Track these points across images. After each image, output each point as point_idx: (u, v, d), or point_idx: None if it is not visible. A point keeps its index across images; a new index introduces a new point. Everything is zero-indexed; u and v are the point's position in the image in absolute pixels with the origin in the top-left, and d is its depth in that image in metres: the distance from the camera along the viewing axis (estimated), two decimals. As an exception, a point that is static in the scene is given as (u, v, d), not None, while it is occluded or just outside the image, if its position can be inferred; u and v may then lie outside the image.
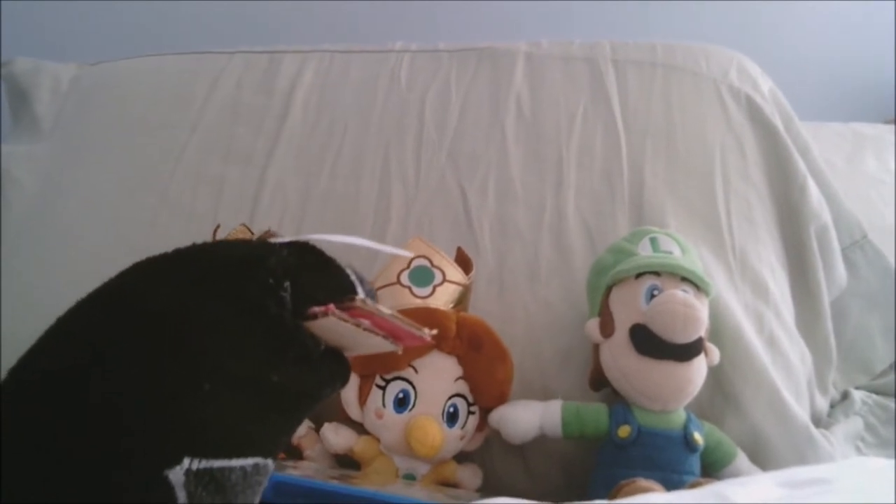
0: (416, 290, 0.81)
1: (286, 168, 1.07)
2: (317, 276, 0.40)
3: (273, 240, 0.41)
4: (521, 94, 1.10)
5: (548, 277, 0.95)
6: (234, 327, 0.36)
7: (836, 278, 1.03)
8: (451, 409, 0.79)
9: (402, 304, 0.80)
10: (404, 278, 0.82)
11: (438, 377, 0.79)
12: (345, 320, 0.38)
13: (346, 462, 0.84)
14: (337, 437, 0.82)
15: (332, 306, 0.38)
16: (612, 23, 1.54)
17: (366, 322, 0.39)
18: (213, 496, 0.35)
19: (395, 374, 0.79)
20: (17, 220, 1.08)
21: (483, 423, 0.82)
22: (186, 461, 0.34)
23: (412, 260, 0.83)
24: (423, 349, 0.78)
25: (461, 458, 0.84)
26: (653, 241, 0.85)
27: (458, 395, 0.80)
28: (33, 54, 1.27)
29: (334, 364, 0.41)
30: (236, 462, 0.36)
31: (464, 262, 0.87)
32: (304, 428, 0.86)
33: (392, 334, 0.41)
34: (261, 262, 0.38)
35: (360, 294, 0.40)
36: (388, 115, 1.10)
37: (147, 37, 1.52)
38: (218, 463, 0.35)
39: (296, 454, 0.86)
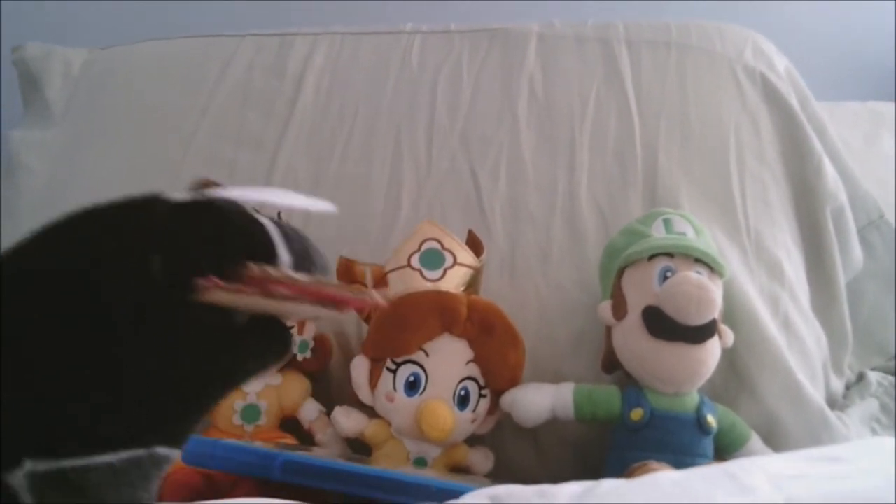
0: (426, 273, 0.81)
1: (297, 152, 1.07)
2: (206, 242, 0.36)
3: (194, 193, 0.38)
4: (534, 76, 1.09)
5: (560, 260, 0.94)
6: (92, 313, 0.33)
7: (852, 259, 1.02)
8: (463, 393, 0.79)
9: (412, 287, 0.80)
10: (415, 261, 0.81)
11: (449, 360, 0.79)
12: (238, 291, 0.35)
13: (358, 446, 0.84)
14: (348, 420, 0.82)
15: (212, 278, 0.35)
16: (623, 6, 1.53)
17: (283, 290, 0.36)
18: (70, 496, 0.32)
19: (406, 357, 0.78)
20: (28, 205, 1.08)
21: (494, 406, 0.82)
22: (28, 464, 0.31)
23: (423, 243, 0.82)
24: (433, 332, 0.78)
25: (473, 441, 0.84)
26: (666, 222, 0.84)
27: (469, 378, 0.79)
28: (44, 39, 1.27)
29: (259, 335, 0.38)
30: (99, 459, 0.33)
31: (475, 244, 0.86)
32: (316, 412, 0.86)
33: (328, 300, 0.38)
34: (130, 235, 0.35)
35: (284, 258, 0.38)
36: (400, 98, 1.10)
37: (158, 21, 1.52)
38: (69, 463, 0.32)
39: (307, 439, 0.86)
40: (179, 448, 0.37)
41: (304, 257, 0.39)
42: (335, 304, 0.38)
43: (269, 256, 0.37)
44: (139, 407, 0.34)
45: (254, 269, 0.36)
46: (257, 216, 0.39)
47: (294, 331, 0.84)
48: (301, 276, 0.37)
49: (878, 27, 1.62)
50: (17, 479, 0.31)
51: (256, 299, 0.36)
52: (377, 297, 0.39)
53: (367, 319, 0.84)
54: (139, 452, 0.34)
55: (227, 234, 0.37)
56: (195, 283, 0.34)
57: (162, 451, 0.36)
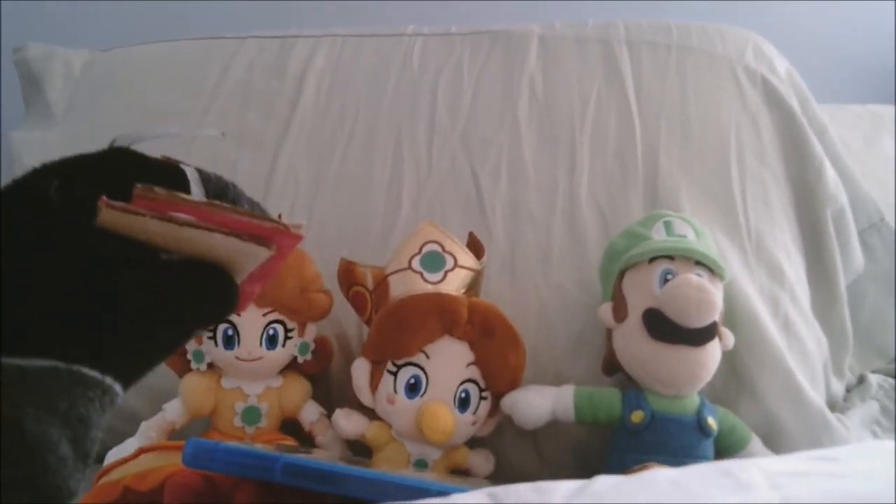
0: (427, 275, 0.81)
1: (298, 152, 1.07)
2: (105, 170, 0.37)
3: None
4: (535, 77, 1.09)
5: (560, 262, 0.94)
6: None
7: (852, 261, 1.02)
8: (463, 395, 0.79)
9: (413, 289, 0.80)
10: (416, 263, 0.81)
11: (450, 363, 0.79)
12: (129, 211, 0.34)
13: (359, 448, 0.84)
14: (349, 422, 0.82)
15: (102, 198, 0.34)
16: (625, 6, 1.53)
17: (182, 216, 0.35)
18: None
19: (407, 359, 0.79)
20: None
21: (495, 408, 0.82)
22: None
23: (424, 245, 0.82)
24: (433, 334, 0.78)
25: (473, 443, 0.84)
26: (667, 224, 0.84)
27: (469, 380, 0.79)
28: (45, 40, 1.27)
29: (194, 277, 0.37)
30: (7, 359, 0.33)
31: (476, 247, 0.86)
32: (317, 414, 0.86)
33: (243, 230, 0.36)
34: (36, 171, 0.36)
35: (195, 190, 0.37)
36: (400, 99, 1.10)
37: (159, 22, 1.52)
38: None
39: (308, 441, 0.86)
40: (123, 382, 0.36)
41: (221, 196, 0.38)
42: (254, 236, 0.37)
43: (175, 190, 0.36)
44: (48, 316, 0.34)
45: (143, 188, 0.35)
46: (179, 163, 0.39)
47: (295, 333, 0.84)
48: (203, 200, 0.36)
49: (879, 29, 1.62)
50: None
51: (156, 223, 0.35)
52: (295, 229, 0.38)
53: (367, 321, 0.84)
54: (56, 363, 0.34)
55: (130, 164, 0.38)
56: (91, 205, 0.34)
57: (90, 372, 0.35)
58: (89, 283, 0.35)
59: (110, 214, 0.34)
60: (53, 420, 0.33)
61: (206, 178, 0.39)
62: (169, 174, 0.38)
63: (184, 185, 0.37)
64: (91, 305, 0.35)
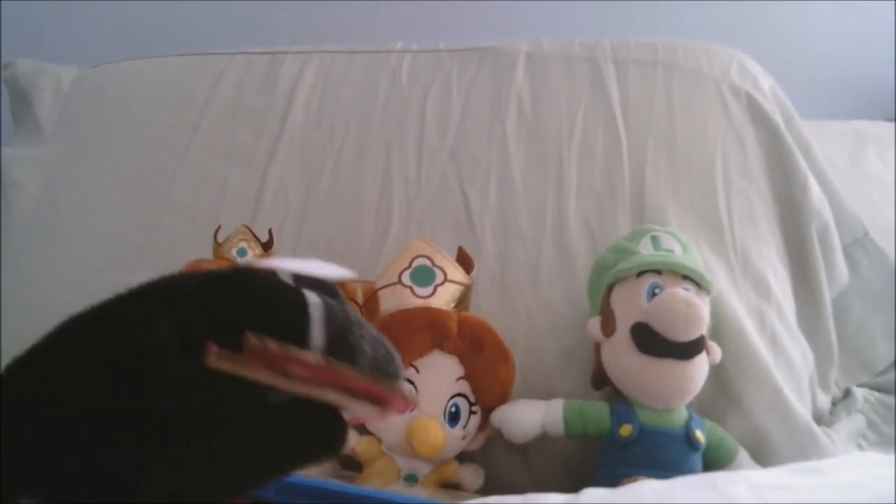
0: (417, 289, 0.81)
1: (288, 168, 1.07)
2: (219, 309, 0.35)
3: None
4: (522, 94, 1.10)
5: (549, 277, 0.95)
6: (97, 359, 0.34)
7: (837, 276, 1.03)
8: (453, 409, 0.79)
9: (403, 303, 0.80)
10: (405, 278, 0.82)
11: (440, 377, 0.79)
12: (241, 362, 0.34)
13: (349, 463, 0.84)
14: (339, 437, 0.81)
15: (212, 346, 0.34)
16: (613, 22, 1.54)
17: (295, 369, 0.34)
18: None
19: (397, 374, 0.79)
20: (20, 222, 1.08)
21: (485, 422, 0.83)
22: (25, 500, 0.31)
23: (413, 260, 0.83)
24: (423, 348, 0.78)
25: (463, 458, 0.84)
26: (654, 239, 0.85)
27: (459, 394, 0.80)
28: (34, 56, 1.27)
29: (302, 421, 0.36)
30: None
31: (465, 261, 0.87)
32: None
33: (353, 390, 0.36)
34: (150, 294, 0.35)
35: (316, 338, 0.36)
36: (390, 116, 1.10)
37: (148, 38, 1.52)
38: None
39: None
40: None
41: (341, 342, 0.37)
42: (371, 398, 0.37)
43: (295, 332, 0.35)
44: (161, 470, 0.34)
45: (256, 341, 0.34)
46: (301, 290, 0.37)
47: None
48: (319, 359, 0.35)
49: (868, 46, 1.64)
50: None
51: (264, 373, 0.34)
52: (410, 399, 0.38)
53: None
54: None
55: (245, 304, 0.36)
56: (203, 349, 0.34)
57: None
58: (201, 430, 0.34)
59: (217, 360, 0.34)
60: None
61: (330, 316, 0.37)
62: (280, 306, 0.36)
63: (295, 319, 0.36)
64: (204, 461, 0.35)
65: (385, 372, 0.37)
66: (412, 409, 0.39)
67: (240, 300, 0.36)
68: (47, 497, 0.32)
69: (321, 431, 0.37)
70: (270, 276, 0.37)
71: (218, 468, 0.35)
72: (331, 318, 0.37)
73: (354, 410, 0.37)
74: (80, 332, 0.35)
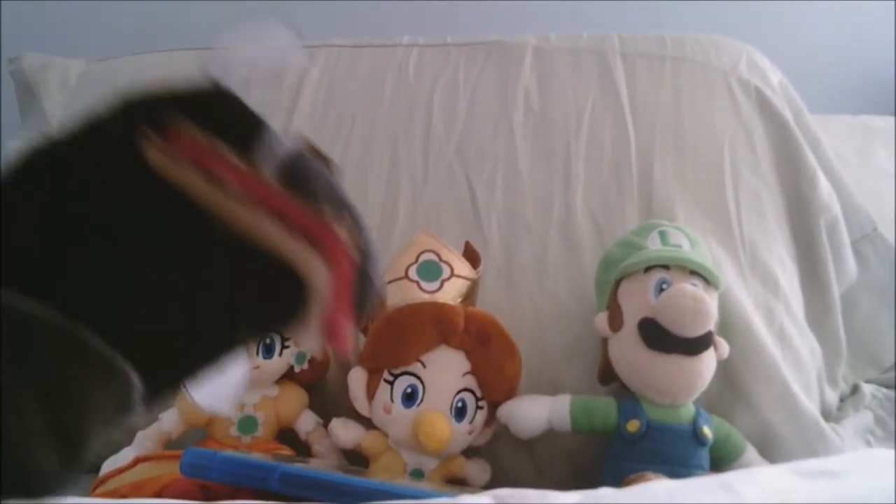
0: (424, 284, 0.81)
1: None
2: (171, 100, 0.30)
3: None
4: (530, 88, 1.09)
5: (556, 272, 0.95)
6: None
7: (845, 271, 1.02)
8: (460, 404, 0.79)
9: (410, 298, 0.80)
10: (412, 273, 0.82)
11: (446, 372, 0.79)
12: (173, 153, 0.28)
13: (355, 457, 0.84)
14: (346, 431, 0.82)
15: (145, 127, 0.28)
16: (621, 15, 1.53)
17: (227, 174, 0.28)
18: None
19: (403, 368, 0.79)
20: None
21: (491, 417, 0.82)
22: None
23: (420, 254, 0.83)
24: (430, 343, 0.78)
25: (469, 453, 0.84)
26: (662, 234, 0.85)
27: (466, 389, 0.80)
28: (41, 50, 1.27)
29: (260, 266, 0.29)
30: (15, 299, 0.27)
31: (472, 256, 0.87)
32: (313, 423, 0.86)
33: (296, 224, 0.29)
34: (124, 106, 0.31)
35: (266, 154, 0.30)
36: (396, 110, 1.10)
37: (155, 33, 1.52)
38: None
39: (304, 450, 0.86)
40: (145, 380, 0.29)
41: (293, 173, 0.30)
42: (306, 235, 0.29)
43: (240, 142, 0.30)
44: (75, 259, 0.29)
45: (177, 123, 0.29)
46: (262, 118, 0.31)
47: (291, 342, 0.84)
48: (253, 170, 0.29)
49: (875, 41, 1.63)
50: None
51: (198, 179, 0.28)
52: (347, 239, 0.30)
53: (364, 330, 0.84)
54: (57, 317, 0.27)
55: (200, 102, 0.31)
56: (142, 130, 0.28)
57: (98, 344, 0.28)
58: (124, 237, 0.29)
59: (157, 157, 0.28)
60: (32, 386, 0.26)
61: (285, 149, 0.31)
62: (248, 118, 0.31)
63: (249, 133, 0.30)
64: (122, 265, 0.29)
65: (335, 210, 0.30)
66: (350, 261, 0.30)
67: (218, 105, 0.31)
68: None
69: (274, 283, 0.30)
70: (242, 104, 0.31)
71: (146, 305, 0.29)
72: (285, 151, 0.31)
73: (292, 254, 0.29)
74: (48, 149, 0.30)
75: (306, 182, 0.31)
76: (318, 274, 0.29)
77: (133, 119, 0.30)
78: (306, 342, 0.29)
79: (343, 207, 0.32)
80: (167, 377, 0.30)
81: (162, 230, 0.29)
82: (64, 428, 0.27)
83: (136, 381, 0.28)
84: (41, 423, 0.26)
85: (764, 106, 1.05)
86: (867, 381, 1.04)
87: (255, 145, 0.30)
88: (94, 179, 0.30)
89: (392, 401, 0.79)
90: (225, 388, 0.34)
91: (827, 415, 0.95)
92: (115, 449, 0.82)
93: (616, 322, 0.80)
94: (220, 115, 0.31)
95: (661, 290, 0.78)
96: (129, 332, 0.28)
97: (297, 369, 0.86)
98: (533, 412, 0.81)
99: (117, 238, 0.29)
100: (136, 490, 0.70)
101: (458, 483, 0.83)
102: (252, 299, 0.30)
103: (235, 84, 0.32)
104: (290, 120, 1.10)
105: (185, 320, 0.29)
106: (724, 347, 0.80)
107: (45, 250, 0.28)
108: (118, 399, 0.28)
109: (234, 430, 0.83)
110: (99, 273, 0.29)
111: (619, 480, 0.70)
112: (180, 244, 0.29)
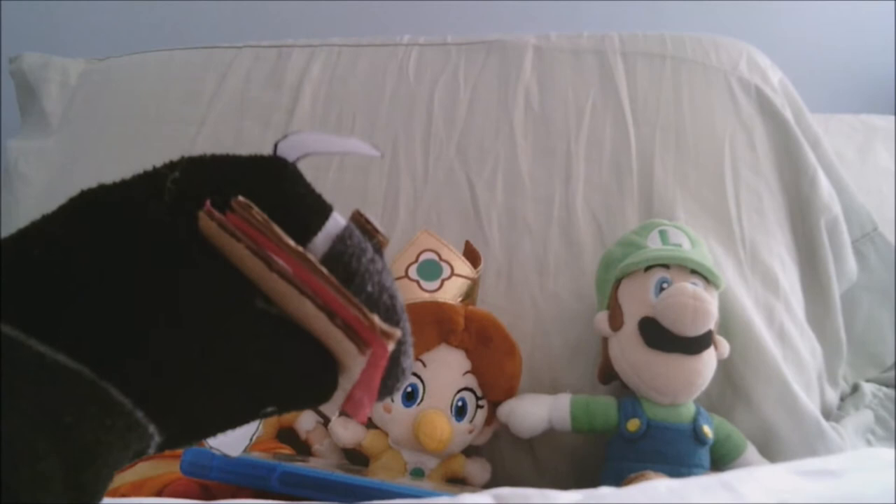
0: (424, 283, 0.81)
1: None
2: (232, 176, 0.31)
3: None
4: (530, 88, 1.09)
5: (556, 271, 0.94)
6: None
7: (846, 271, 1.02)
8: (460, 403, 0.79)
9: (410, 297, 0.80)
10: (412, 272, 0.82)
11: (446, 371, 0.79)
12: (225, 228, 0.28)
13: (355, 457, 0.84)
14: (346, 431, 0.82)
15: (207, 203, 0.28)
16: (621, 15, 1.54)
17: (278, 259, 0.28)
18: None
19: (404, 368, 0.79)
20: (26, 215, 1.07)
21: (492, 416, 0.82)
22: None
23: (420, 254, 0.83)
24: (430, 343, 0.78)
25: (470, 452, 0.84)
26: (662, 233, 0.85)
27: (466, 388, 0.80)
28: (41, 49, 1.27)
29: (293, 342, 0.30)
30: (34, 343, 0.27)
31: (472, 255, 0.87)
32: (313, 422, 0.86)
33: (338, 313, 0.29)
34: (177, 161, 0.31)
35: (319, 240, 0.30)
36: (397, 109, 1.10)
37: (155, 32, 1.52)
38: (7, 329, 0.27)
39: (305, 450, 0.86)
40: (153, 420, 0.28)
41: (342, 261, 0.31)
42: (345, 325, 0.29)
43: (298, 227, 0.30)
44: (105, 315, 0.28)
45: (241, 202, 0.29)
46: (328, 205, 0.32)
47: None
48: (305, 254, 0.29)
49: (875, 41, 1.63)
50: None
51: (249, 255, 0.28)
52: (386, 336, 0.29)
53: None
54: (83, 369, 0.27)
55: (279, 185, 0.31)
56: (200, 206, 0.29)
57: (119, 397, 0.28)
58: (164, 295, 0.29)
59: (208, 225, 0.29)
60: (48, 430, 0.26)
61: (345, 236, 0.31)
62: (307, 203, 0.31)
63: (309, 217, 0.31)
64: (159, 323, 0.29)
65: (380, 313, 0.30)
66: (387, 351, 0.30)
67: (273, 180, 0.31)
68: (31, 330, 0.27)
69: (312, 367, 0.30)
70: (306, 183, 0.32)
71: (171, 365, 0.29)
72: (345, 239, 0.31)
73: (328, 337, 0.30)
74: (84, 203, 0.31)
75: (350, 268, 0.31)
76: (351, 358, 0.30)
77: (194, 186, 0.30)
78: (325, 410, 0.28)
79: (384, 291, 0.32)
80: (186, 435, 0.30)
81: (202, 294, 0.29)
82: (78, 475, 0.26)
83: (155, 433, 0.29)
84: (55, 470, 0.26)
85: (764, 105, 1.05)
86: (867, 381, 1.04)
87: (309, 226, 0.31)
88: (134, 234, 0.30)
89: (392, 400, 0.79)
90: (238, 438, 0.35)
91: (827, 414, 0.95)
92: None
93: (616, 321, 0.80)
94: (282, 193, 0.31)
95: (662, 289, 0.78)
96: (154, 389, 0.28)
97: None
98: (533, 411, 0.81)
99: (153, 296, 0.29)
100: (135, 489, 0.70)
101: (459, 482, 0.83)
102: (283, 376, 0.30)
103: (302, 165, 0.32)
104: (290, 119, 1.10)
105: (212, 385, 0.29)
106: (725, 347, 0.80)
107: (76, 298, 0.28)
108: (134, 449, 0.28)
109: (234, 430, 0.83)
110: (129, 327, 0.28)
111: (620, 480, 0.70)
112: (219, 309, 0.29)
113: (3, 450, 0.24)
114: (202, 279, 0.29)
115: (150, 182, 0.30)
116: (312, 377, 0.31)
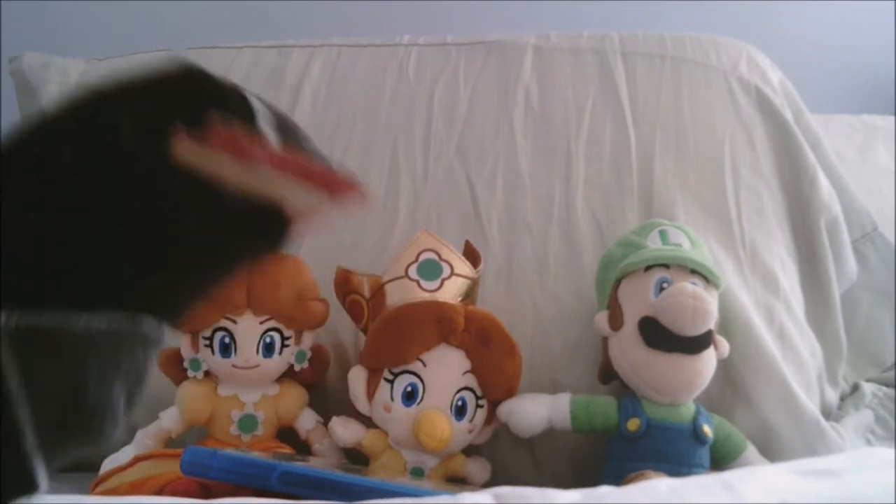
0: (424, 283, 0.81)
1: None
2: (178, 98, 0.33)
3: None
4: (530, 87, 1.09)
5: (556, 270, 0.95)
6: (67, 164, 0.31)
7: (846, 271, 1.02)
8: (460, 403, 0.79)
9: (410, 297, 0.80)
10: (412, 272, 0.82)
11: (446, 371, 0.79)
12: (209, 148, 0.32)
13: (355, 456, 0.84)
14: (346, 430, 0.82)
15: (180, 130, 0.31)
16: (621, 15, 1.53)
17: (259, 155, 0.32)
18: (49, 351, 0.30)
19: (404, 367, 0.79)
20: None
21: (491, 416, 0.83)
22: (4, 315, 0.29)
23: (420, 253, 0.83)
24: (430, 342, 0.78)
25: (470, 451, 0.84)
26: (662, 233, 0.85)
27: (466, 388, 0.80)
28: (41, 49, 1.27)
29: (248, 214, 0.34)
30: (77, 315, 0.31)
31: (472, 255, 0.87)
32: (313, 422, 0.86)
33: (314, 178, 0.34)
34: (106, 91, 0.33)
35: (267, 131, 0.34)
36: (397, 109, 1.10)
37: (155, 32, 1.52)
38: (48, 316, 0.30)
39: (305, 449, 0.86)
40: (168, 321, 0.34)
41: (292, 137, 0.35)
42: (323, 186, 0.34)
43: (248, 124, 0.33)
44: (118, 263, 0.32)
45: (224, 126, 0.32)
46: (242, 90, 0.35)
47: (292, 341, 0.84)
48: (279, 145, 0.33)
49: (875, 41, 1.63)
50: None
51: (230, 164, 0.32)
52: (363, 187, 0.35)
53: (364, 330, 0.84)
54: (119, 315, 0.32)
55: (201, 93, 0.34)
56: (167, 137, 0.32)
57: (149, 325, 0.33)
58: (158, 231, 0.33)
59: (186, 149, 0.32)
60: (116, 379, 0.32)
61: (273, 113, 0.35)
62: (234, 97, 0.34)
63: (249, 111, 0.34)
64: (158, 256, 0.33)
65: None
66: (364, 200, 0.35)
67: (189, 88, 0.34)
68: (26, 305, 0.30)
69: (274, 232, 0.35)
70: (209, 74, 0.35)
71: (171, 282, 0.34)
72: (276, 116, 0.35)
73: (309, 201, 0.35)
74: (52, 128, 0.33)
75: (296, 142, 0.35)
76: (324, 207, 0.35)
77: (152, 118, 0.33)
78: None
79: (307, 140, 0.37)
80: (183, 316, 0.36)
81: (180, 217, 0.34)
82: (133, 397, 0.34)
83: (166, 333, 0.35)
84: (124, 405, 0.33)
85: (764, 105, 1.05)
86: (867, 380, 1.04)
87: (249, 115, 0.34)
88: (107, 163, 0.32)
89: (392, 399, 0.79)
90: None
91: (827, 414, 0.95)
92: (115, 448, 0.82)
93: (616, 321, 0.81)
94: (214, 95, 0.34)
95: (662, 289, 0.78)
96: (164, 303, 0.34)
97: (297, 368, 0.86)
98: (533, 411, 0.81)
99: (148, 232, 0.33)
100: (135, 489, 0.70)
101: (459, 481, 0.83)
102: (249, 246, 0.36)
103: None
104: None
105: (206, 274, 0.35)
106: (725, 346, 0.80)
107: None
108: (155, 353, 0.35)
109: (234, 429, 0.83)
110: (145, 265, 0.33)
111: (620, 479, 0.70)
112: (196, 227, 0.34)
113: (96, 414, 0.32)
114: (182, 202, 0.33)
115: (103, 136, 0.32)
116: (278, 237, 0.36)
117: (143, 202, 0.33)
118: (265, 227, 0.35)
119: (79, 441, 0.32)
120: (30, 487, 0.30)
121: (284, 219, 0.35)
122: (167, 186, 0.33)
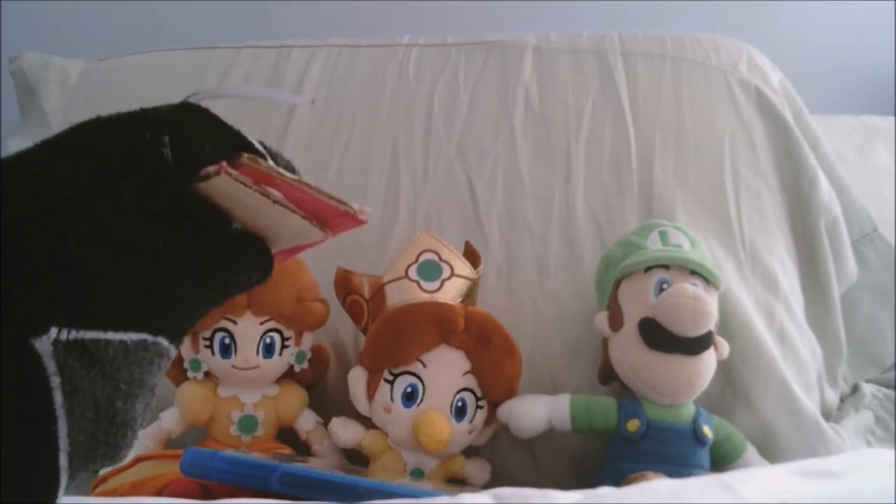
0: (424, 284, 0.81)
1: (294, 162, 1.06)
2: (204, 130, 0.36)
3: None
4: (530, 88, 1.09)
5: (556, 271, 0.95)
6: (107, 187, 0.33)
7: (846, 272, 1.02)
8: (460, 404, 0.79)
9: (410, 298, 0.80)
10: (412, 272, 0.82)
11: (446, 371, 0.79)
12: (242, 182, 0.34)
13: (355, 457, 0.84)
14: (345, 431, 0.82)
15: (224, 164, 0.34)
16: (621, 15, 1.54)
17: (276, 194, 0.35)
18: (89, 369, 0.32)
19: (403, 368, 0.79)
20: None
21: (491, 417, 0.82)
22: (53, 331, 0.31)
23: (420, 254, 0.83)
24: (430, 343, 0.78)
25: (470, 452, 0.84)
26: (662, 234, 0.85)
27: (466, 389, 0.80)
28: (41, 49, 1.27)
29: (250, 248, 0.38)
30: (114, 335, 0.33)
31: (472, 256, 0.87)
32: (313, 423, 0.86)
33: (314, 214, 0.37)
34: (136, 118, 0.36)
35: (268, 161, 0.37)
36: (397, 109, 1.10)
37: (155, 32, 1.52)
38: (91, 334, 0.32)
39: (305, 450, 0.86)
40: (176, 343, 0.37)
41: (290, 170, 0.38)
42: (324, 220, 0.38)
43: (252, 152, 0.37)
44: (148, 287, 0.34)
45: (250, 158, 0.35)
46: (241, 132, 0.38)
47: (292, 341, 0.84)
48: (290, 176, 0.36)
49: (875, 41, 1.63)
50: (44, 345, 0.31)
51: (254, 196, 0.35)
52: (358, 212, 0.38)
53: (364, 330, 0.84)
54: (147, 337, 0.34)
55: (221, 125, 0.37)
56: (203, 171, 0.34)
57: (164, 342, 0.36)
58: (179, 252, 0.35)
59: (222, 182, 0.34)
60: (141, 395, 0.34)
61: (273, 153, 0.38)
62: (242, 135, 0.37)
63: (253, 147, 0.37)
64: (175, 276, 0.35)
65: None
66: (361, 224, 0.39)
67: (202, 123, 0.37)
68: (72, 324, 0.32)
69: (261, 257, 0.39)
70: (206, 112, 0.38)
71: (183, 301, 0.36)
72: (275, 153, 0.39)
73: (301, 235, 0.39)
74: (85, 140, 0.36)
75: (291, 167, 0.39)
76: (318, 238, 0.39)
77: (185, 149, 0.35)
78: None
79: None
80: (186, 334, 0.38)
81: (197, 241, 0.36)
82: (148, 409, 0.36)
83: (172, 349, 0.36)
84: (143, 418, 0.35)
85: (764, 106, 1.05)
86: (867, 381, 1.04)
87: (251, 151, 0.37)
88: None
89: (392, 400, 0.79)
90: None
91: (827, 415, 0.95)
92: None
93: (616, 322, 0.81)
94: (225, 135, 0.37)
95: (662, 289, 0.78)
96: (177, 321, 0.36)
97: (297, 369, 0.86)
98: (533, 412, 0.81)
99: (171, 253, 0.35)
100: (135, 489, 0.70)
101: (459, 482, 0.83)
102: (245, 271, 0.38)
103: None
104: (290, 120, 1.10)
105: (206, 298, 0.37)
106: (725, 347, 0.80)
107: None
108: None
109: (234, 430, 0.83)
110: (164, 284, 0.35)
111: (620, 480, 0.70)
112: (207, 251, 0.36)
113: (121, 428, 0.33)
114: (200, 228, 0.36)
115: (145, 152, 0.35)
116: (266, 267, 0.39)
117: (172, 233, 0.35)
118: (259, 261, 0.39)
119: (104, 455, 0.33)
120: (51, 499, 0.31)
121: (269, 253, 0.39)
122: (192, 216, 0.35)
